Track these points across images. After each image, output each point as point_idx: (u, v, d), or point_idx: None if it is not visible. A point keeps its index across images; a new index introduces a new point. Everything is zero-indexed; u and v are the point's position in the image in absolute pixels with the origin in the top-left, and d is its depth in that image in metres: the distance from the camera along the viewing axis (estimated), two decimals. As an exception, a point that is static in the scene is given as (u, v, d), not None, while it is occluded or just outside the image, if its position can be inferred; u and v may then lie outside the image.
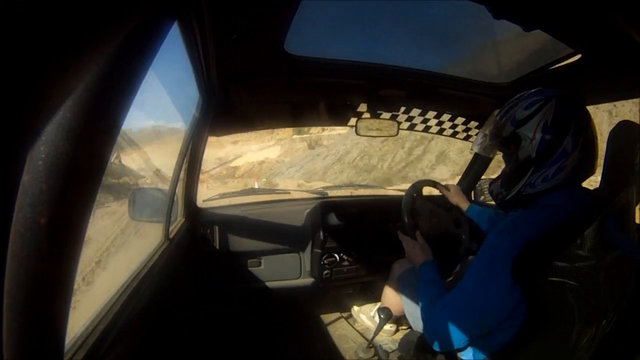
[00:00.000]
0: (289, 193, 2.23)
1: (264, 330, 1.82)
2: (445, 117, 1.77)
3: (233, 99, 1.39)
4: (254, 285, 1.79)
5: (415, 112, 1.72)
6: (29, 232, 0.29)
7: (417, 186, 1.65)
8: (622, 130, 0.80)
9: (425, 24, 1.12)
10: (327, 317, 1.96)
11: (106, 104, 0.35)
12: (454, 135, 1.92)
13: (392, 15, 1.05)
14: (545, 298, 0.76)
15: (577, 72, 1.11)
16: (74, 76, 0.27)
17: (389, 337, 1.67)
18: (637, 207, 0.84)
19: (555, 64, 1.16)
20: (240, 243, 1.74)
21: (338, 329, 1.88)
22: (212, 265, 1.72)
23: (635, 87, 1.13)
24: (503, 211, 1.01)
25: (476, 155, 1.98)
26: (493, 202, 1.88)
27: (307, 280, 1.82)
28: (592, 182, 0.89)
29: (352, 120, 1.70)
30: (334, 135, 21.89)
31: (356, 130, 1.66)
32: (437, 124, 1.83)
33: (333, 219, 1.78)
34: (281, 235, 1.77)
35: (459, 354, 0.97)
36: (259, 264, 1.79)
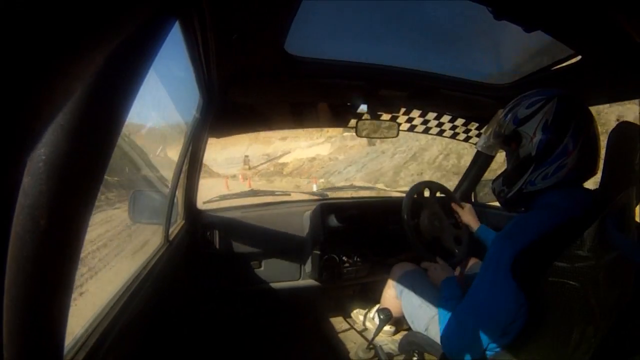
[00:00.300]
0: (289, 195, 2.23)
1: (264, 332, 1.81)
2: (446, 118, 1.77)
3: (233, 100, 1.39)
4: (254, 286, 1.79)
5: (415, 113, 1.72)
6: (29, 234, 0.29)
7: (419, 187, 1.65)
8: (622, 131, 0.80)
9: (425, 25, 1.12)
10: (326, 318, 1.96)
11: (107, 105, 0.35)
12: (454, 136, 1.92)
13: (392, 16, 1.05)
14: (545, 299, 0.76)
15: (578, 73, 1.12)
16: (74, 77, 0.27)
17: (389, 337, 1.66)
18: (637, 207, 0.84)
19: (555, 65, 1.16)
20: (241, 245, 1.74)
21: (338, 329, 1.87)
22: (212, 267, 1.71)
23: (635, 88, 1.13)
24: (506, 210, 1.01)
25: (476, 156, 1.98)
26: (493, 204, 1.91)
27: (307, 282, 1.82)
28: (594, 182, 0.89)
29: (352, 122, 1.70)
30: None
31: (356, 131, 1.67)
32: (437, 125, 1.83)
33: (333, 221, 1.78)
34: (281, 237, 1.77)
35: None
36: (259, 266, 1.78)
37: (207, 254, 1.69)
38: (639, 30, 0.68)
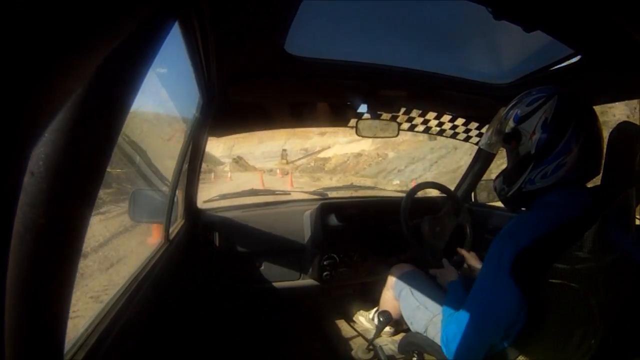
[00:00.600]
0: (289, 194, 2.23)
1: (264, 331, 1.82)
2: (446, 117, 1.77)
3: (233, 99, 1.39)
4: (254, 286, 1.79)
5: (415, 112, 1.72)
6: (29, 233, 0.29)
7: (419, 188, 1.66)
8: (622, 131, 0.80)
9: (425, 25, 1.12)
10: (326, 318, 1.96)
11: (107, 105, 0.35)
12: (454, 136, 1.92)
13: (392, 16, 1.05)
14: (545, 300, 0.76)
15: (578, 72, 1.12)
16: (74, 76, 0.27)
17: (389, 338, 1.66)
18: (637, 208, 0.84)
19: (555, 65, 1.16)
20: (241, 244, 1.74)
21: (338, 330, 1.87)
22: (212, 266, 1.71)
23: (636, 87, 1.13)
24: (508, 209, 1.01)
25: (476, 156, 1.98)
26: (493, 204, 1.91)
27: (307, 282, 1.82)
28: (593, 182, 0.89)
29: (352, 121, 1.70)
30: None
31: (356, 131, 1.67)
32: (437, 125, 1.84)
33: (333, 220, 1.78)
34: (281, 237, 1.77)
35: None
36: (259, 265, 1.78)
37: (207, 253, 1.69)
38: (639, 29, 0.68)
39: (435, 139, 14.74)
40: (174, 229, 1.36)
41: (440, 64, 1.31)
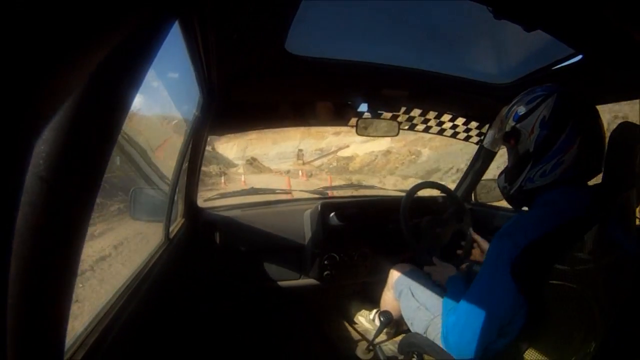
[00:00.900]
0: (290, 193, 2.23)
1: (264, 330, 1.82)
2: (446, 117, 1.77)
3: (234, 98, 1.39)
4: (254, 285, 1.79)
5: (415, 112, 1.72)
6: (29, 232, 0.29)
7: (419, 188, 1.66)
8: (623, 131, 0.80)
9: (426, 24, 1.12)
10: (327, 318, 1.96)
11: (107, 104, 0.35)
12: (454, 135, 1.92)
13: (393, 15, 1.05)
14: (545, 301, 0.76)
15: (579, 72, 1.11)
16: (75, 76, 0.27)
17: (389, 338, 1.67)
18: (637, 208, 0.84)
19: (556, 65, 1.16)
20: (241, 243, 1.74)
21: (338, 329, 1.88)
22: (212, 265, 1.71)
23: (637, 87, 1.13)
24: (512, 207, 1.02)
25: (476, 155, 1.98)
26: (493, 204, 1.91)
27: (308, 281, 1.82)
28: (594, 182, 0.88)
29: (353, 120, 1.70)
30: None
31: (356, 130, 1.67)
32: (437, 124, 1.83)
33: (334, 220, 1.78)
34: (282, 236, 1.77)
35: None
36: (259, 264, 1.78)
37: (207, 252, 1.69)
38: (639, 29, 0.68)
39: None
40: (174, 228, 1.36)
41: (440, 64, 1.31)
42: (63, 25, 0.23)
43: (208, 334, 1.59)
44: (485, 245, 1.33)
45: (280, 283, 1.80)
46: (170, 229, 1.24)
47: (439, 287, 1.26)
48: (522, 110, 0.88)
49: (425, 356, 1.11)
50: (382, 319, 1.37)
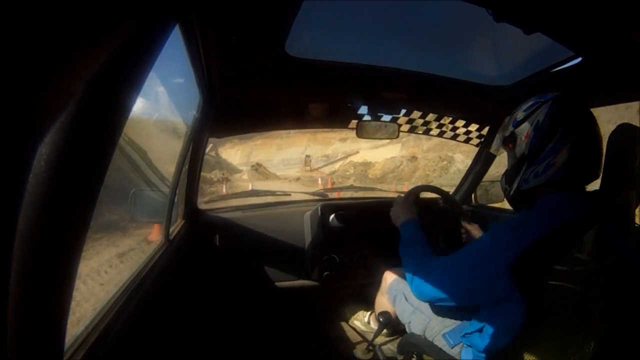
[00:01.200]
0: (290, 195, 2.23)
1: (264, 331, 1.82)
2: (446, 119, 1.78)
3: (234, 100, 1.39)
4: (254, 286, 1.79)
5: (415, 114, 1.72)
6: (30, 233, 0.29)
7: (417, 191, 1.65)
8: (622, 133, 0.80)
9: (426, 27, 1.12)
10: (326, 319, 1.96)
11: (108, 105, 0.35)
12: (454, 137, 1.93)
13: (393, 18, 1.06)
14: (544, 302, 0.76)
15: (578, 74, 1.12)
16: (76, 78, 0.27)
17: (388, 338, 1.66)
18: (636, 210, 0.84)
19: (556, 67, 1.16)
20: (241, 244, 1.74)
21: (337, 330, 1.87)
22: (212, 267, 1.72)
23: (635, 90, 1.13)
24: (512, 208, 1.06)
25: (476, 158, 1.99)
26: (493, 205, 1.91)
27: (307, 282, 1.82)
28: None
29: (353, 123, 1.70)
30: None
31: (357, 132, 1.67)
32: (437, 127, 1.84)
33: (333, 221, 1.78)
34: (281, 237, 1.77)
35: (459, 355, 0.98)
36: (259, 266, 1.79)
37: (207, 253, 1.69)
38: (639, 31, 0.68)
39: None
40: (174, 229, 1.36)
41: (440, 66, 1.31)
42: (65, 28, 0.23)
43: (207, 335, 1.59)
44: (476, 231, 1.39)
45: (280, 284, 1.80)
46: (171, 230, 1.25)
47: None
48: (520, 116, 0.94)
49: (425, 356, 1.11)
50: (381, 319, 1.37)
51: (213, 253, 1.70)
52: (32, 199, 0.29)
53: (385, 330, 1.55)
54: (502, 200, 1.44)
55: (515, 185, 0.96)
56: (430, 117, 1.75)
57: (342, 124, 1.76)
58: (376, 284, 1.57)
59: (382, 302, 1.47)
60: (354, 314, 1.91)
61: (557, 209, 0.83)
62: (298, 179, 17.78)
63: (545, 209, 0.84)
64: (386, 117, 1.70)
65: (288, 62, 1.12)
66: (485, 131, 1.86)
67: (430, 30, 1.13)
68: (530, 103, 0.94)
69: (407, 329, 1.25)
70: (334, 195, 2.29)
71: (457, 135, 1.90)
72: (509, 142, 0.97)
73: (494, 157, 1.92)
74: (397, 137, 1.72)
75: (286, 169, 24.25)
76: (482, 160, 1.95)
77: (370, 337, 1.46)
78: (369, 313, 1.80)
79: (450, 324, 1.10)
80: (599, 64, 1.02)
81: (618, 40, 0.81)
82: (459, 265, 0.91)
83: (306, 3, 0.84)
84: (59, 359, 0.37)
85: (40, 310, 0.32)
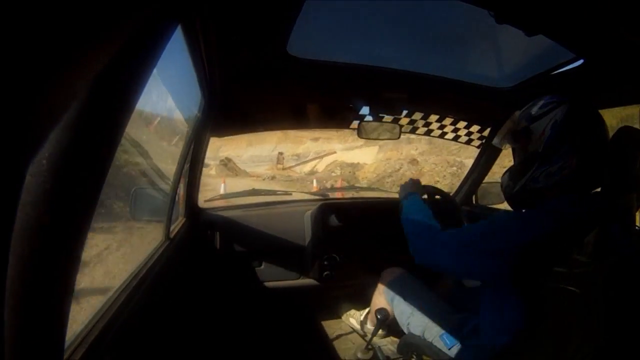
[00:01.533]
0: (290, 194, 2.23)
1: (263, 330, 1.82)
2: (448, 120, 1.78)
3: (235, 100, 1.39)
4: (254, 285, 1.79)
5: (417, 115, 1.72)
6: (31, 232, 0.29)
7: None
8: (623, 136, 0.80)
9: (428, 28, 1.12)
10: (326, 318, 1.96)
11: (110, 106, 0.35)
12: (456, 138, 1.92)
13: (395, 19, 1.06)
14: (544, 304, 0.76)
15: (580, 76, 1.11)
16: (78, 78, 0.27)
17: (388, 338, 1.66)
18: (637, 212, 0.84)
19: (557, 69, 1.16)
20: (241, 243, 1.74)
21: (337, 329, 1.88)
22: (212, 265, 1.72)
23: (637, 92, 1.12)
24: (512, 207, 1.03)
25: (477, 159, 1.98)
26: (493, 206, 1.91)
27: (307, 281, 1.83)
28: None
29: (354, 123, 1.70)
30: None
31: (358, 133, 1.67)
32: (439, 127, 1.84)
33: (334, 221, 1.78)
34: (282, 236, 1.78)
35: (458, 356, 0.98)
36: (260, 264, 1.79)
37: (207, 252, 1.69)
38: None
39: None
40: (175, 228, 1.36)
41: (442, 67, 1.31)
42: (68, 28, 0.23)
43: (207, 333, 1.59)
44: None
45: (280, 283, 1.81)
46: (171, 228, 1.25)
47: (430, 290, 1.28)
48: (535, 112, 0.91)
49: (424, 357, 1.11)
50: (378, 316, 1.36)
51: (213, 251, 1.70)
52: (34, 199, 0.29)
53: (381, 331, 1.55)
54: (503, 202, 1.44)
55: (521, 184, 0.92)
56: (432, 117, 1.75)
57: (343, 124, 1.76)
58: (372, 284, 1.58)
59: (379, 301, 1.48)
60: (350, 313, 1.91)
61: (562, 212, 0.82)
62: (273, 177, 16.20)
63: (550, 212, 0.83)
64: (387, 118, 1.70)
65: (289, 62, 1.12)
66: (486, 132, 1.86)
67: (432, 32, 1.13)
68: (546, 101, 0.91)
69: (405, 330, 1.26)
70: (335, 195, 2.29)
71: (459, 136, 1.90)
72: (521, 137, 0.93)
73: (495, 158, 1.92)
74: (399, 137, 1.71)
75: (255, 166, 22.87)
76: (483, 163, 1.95)
77: (365, 335, 1.46)
78: (365, 311, 1.79)
79: (449, 324, 1.10)
80: (601, 66, 1.02)
81: (620, 42, 0.81)
82: (469, 234, 0.91)
83: (308, 3, 0.84)
84: (60, 358, 0.38)
85: (41, 309, 0.33)
